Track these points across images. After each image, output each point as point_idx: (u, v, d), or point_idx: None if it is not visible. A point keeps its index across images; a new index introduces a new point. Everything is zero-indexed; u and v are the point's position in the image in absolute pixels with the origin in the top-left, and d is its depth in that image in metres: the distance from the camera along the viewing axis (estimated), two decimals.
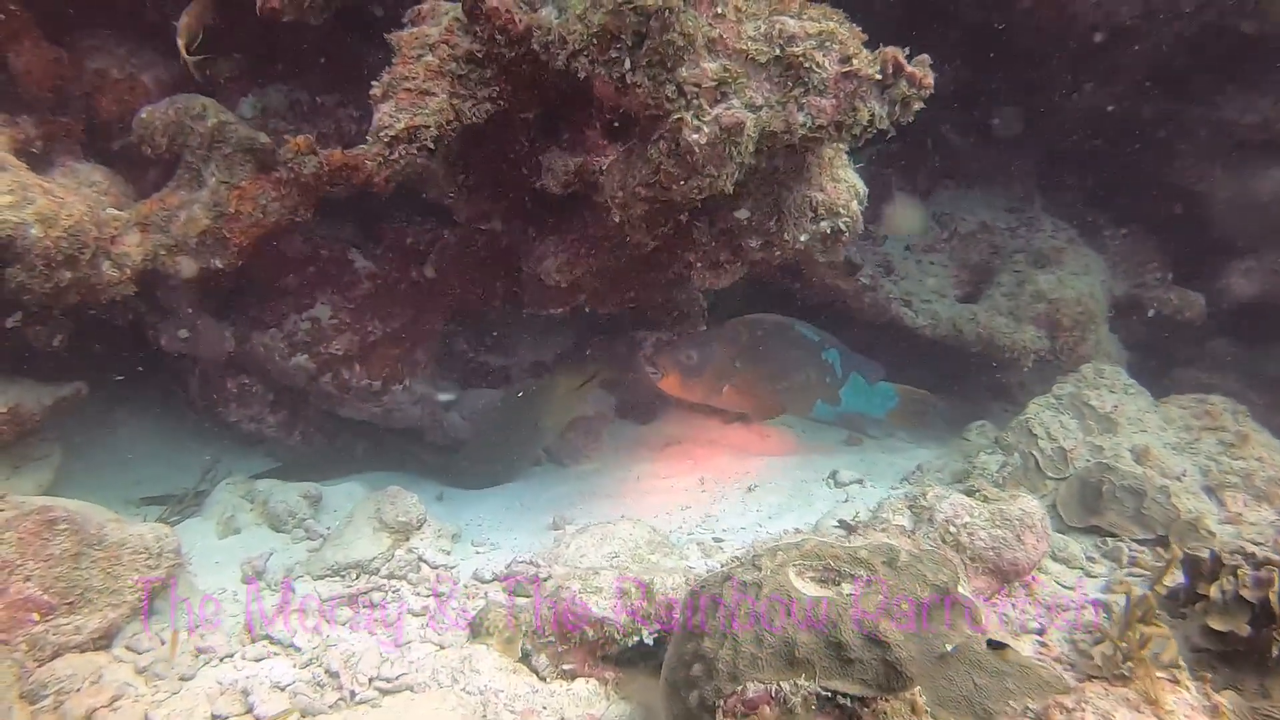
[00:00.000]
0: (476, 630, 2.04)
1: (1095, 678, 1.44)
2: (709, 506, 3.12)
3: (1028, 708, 1.41)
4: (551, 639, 1.94)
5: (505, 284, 3.53)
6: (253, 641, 2.11)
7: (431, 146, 2.25)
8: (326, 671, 1.95)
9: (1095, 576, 2.48)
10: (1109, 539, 2.60)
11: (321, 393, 3.45)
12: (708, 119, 2.08)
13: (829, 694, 1.55)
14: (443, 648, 2.04)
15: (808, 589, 1.70)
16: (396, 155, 2.25)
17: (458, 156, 2.78)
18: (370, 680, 1.92)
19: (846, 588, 1.68)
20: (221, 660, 2.03)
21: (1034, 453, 2.83)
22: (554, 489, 3.55)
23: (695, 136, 2.09)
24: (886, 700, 1.56)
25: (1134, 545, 2.56)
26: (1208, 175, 3.61)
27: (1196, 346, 4.14)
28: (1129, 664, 1.50)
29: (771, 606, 1.64)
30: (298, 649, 2.04)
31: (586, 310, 3.56)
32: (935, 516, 2.18)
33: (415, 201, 3.41)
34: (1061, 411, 2.93)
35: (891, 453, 3.79)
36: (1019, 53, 3.52)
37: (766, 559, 1.75)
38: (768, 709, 1.55)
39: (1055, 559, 2.50)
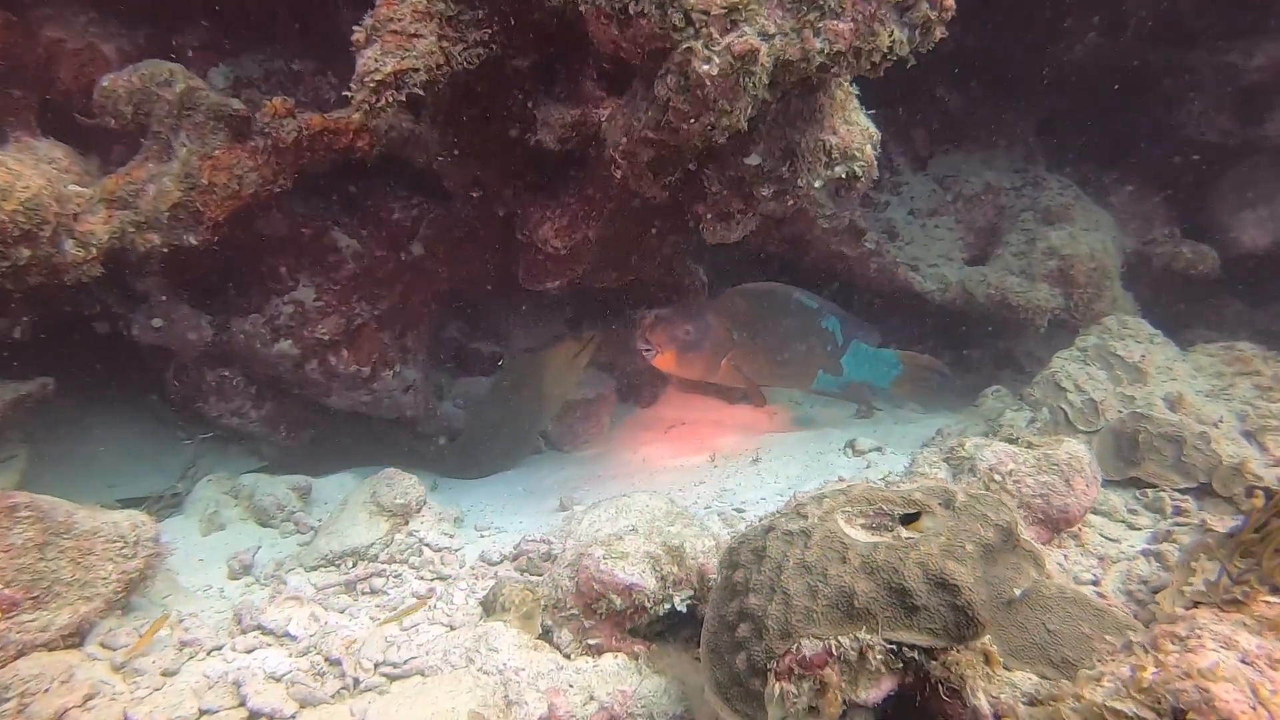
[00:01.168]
0: (490, 607, 1.86)
1: (1202, 603, 1.30)
2: (724, 481, 2.97)
3: (1126, 644, 1.26)
4: (574, 612, 1.77)
5: (499, 261, 3.37)
6: (243, 633, 1.92)
7: (421, 93, 2.09)
8: (326, 659, 1.78)
9: (1139, 529, 2.35)
10: (1149, 490, 2.48)
11: (307, 381, 3.27)
12: (718, 48, 1.94)
13: (894, 647, 1.40)
14: (454, 628, 1.87)
15: (861, 535, 1.54)
16: (383, 102, 2.08)
17: (447, 116, 2.61)
18: (376, 666, 1.75)
19: (904, 531, 1.53)
20: (209, 653, 1.85)
21: (1063, 406, 2.70)
22: (556, 473, 3.38)
23: (706, 68, 1.94)
24: (958, 651, 1.41)
25: (1176, 495, 2.43)
26: (1216, 123, 3.51)
27: (1204, 303, 4.04)
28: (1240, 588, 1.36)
29: (824, 554, 1.49)
30: (293, 638, 1.86)
31: (584, 285, 3.41)
32: (977, 466, 2.04)
33: (402, 176, 3.25)
34: (1088, 363, 2.81)
35: (905, 423, 3.65)
36: (1020, 3, 3.42)
37: (812, 506, 1.60)
38: (829, 669, 1.40)
39: (1096, 512, 2.37)
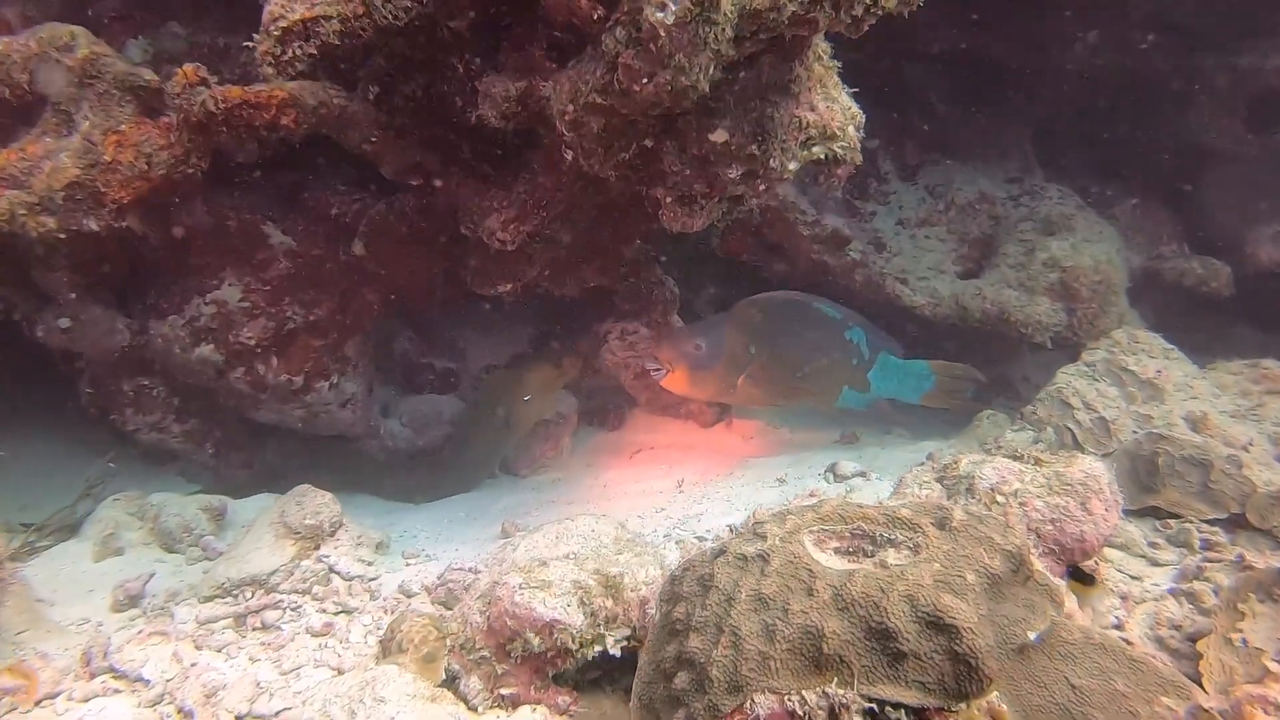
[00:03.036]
0: (387, 647, 1.53)
1: None
2: (689, 507, 2.64)
3: (1194, 711, 0.94)
4: (485, 653, 1.45)
5: (446, 261, 3.07)
6: (90, 676, 1.58)
7: (336, 43, 1.81)
8: (180, 710, 1.44)
9: (1162, 565, 2.03)
10: (1172, 520, 2.17)
11: (232, 391, 2.95)
12: None
13: (874, 705, 1.08)
14: (341, 672, 1.54)
15: (833, 562, 1.23)
16: (290, 54, 1.80)
17: (381, 89, 2.34)
18: (238, 719, 1.41)
19: (889, 556, 1.21)
20: (38, 704, 1.50)
21: (1070, 426, 2.40)
22: (507, 498, 3.05)
23: (660, 15, 1.67)
24: (957, 712, 1.09)
25: (1204, 526, 2.12)
26: (1228, 130, 3.27)
27: (1215, 326, 3.76)
28: None
29: (785, 585, 1.17)
30: (146, 682, 1.52)
31: (542, 291, 3.12)
32: (976, 486, 1.73)
33: (343, 168, 2.97)
34: (1097, 379, 2.52)
35: (891, 448, 3.34)
36: (1015, 2, 3.19)
37: (773, 525, 1.29)
38: None
39: (1112, 545, 2.06)
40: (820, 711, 1.08)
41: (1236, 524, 2.13)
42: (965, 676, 1.08)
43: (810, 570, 1.17)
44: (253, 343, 2.86)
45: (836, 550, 1.26)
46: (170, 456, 3.26)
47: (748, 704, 1.09)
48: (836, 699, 1.07)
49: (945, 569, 1.16)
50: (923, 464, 2.49)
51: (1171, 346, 2.65)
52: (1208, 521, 2.13)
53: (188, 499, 2.61)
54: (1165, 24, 3.19)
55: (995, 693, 1.12)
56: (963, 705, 1.08)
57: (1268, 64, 3.08)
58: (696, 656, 1.16)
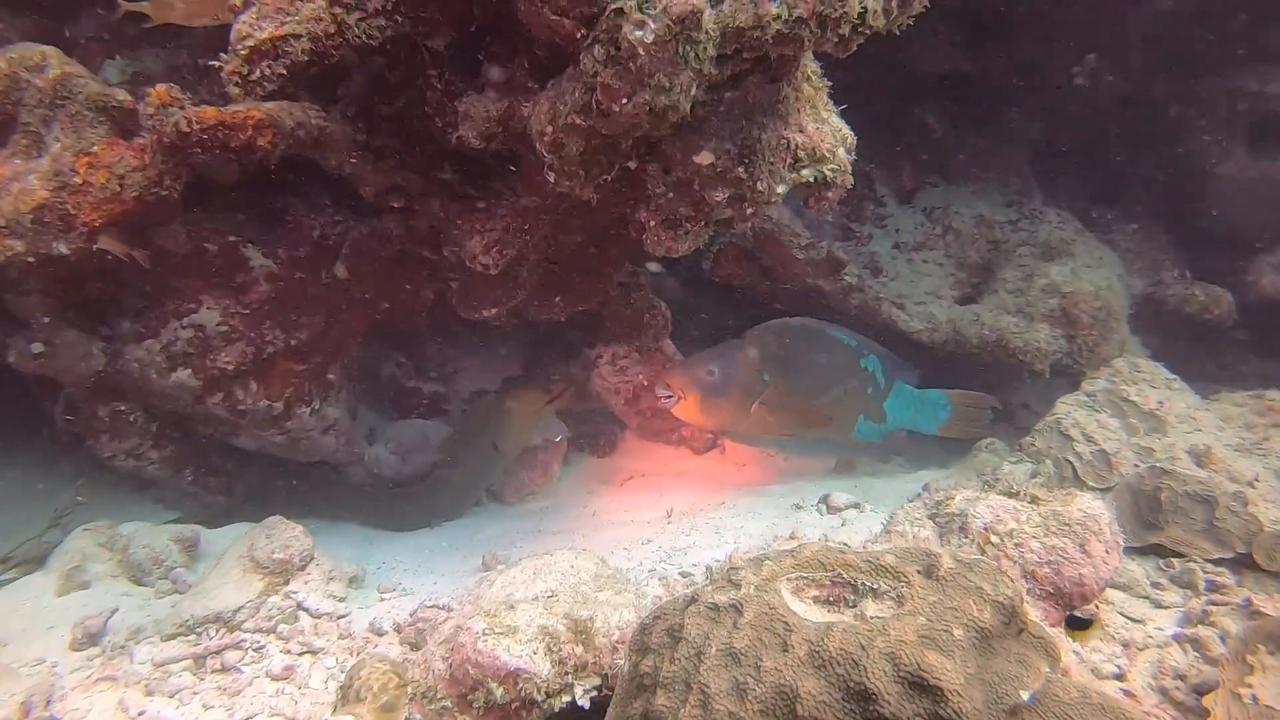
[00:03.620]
0: (345, 694, 1.45)
1: None
2: (676, 539, 2.56)
3: None
4: (448, 703, 1.36)
5: (431, 284, 3.02)
6: None
7: (307, 61, 1.76)
8: None
9: (1166, 607, 1.94)
10: (1175, 559, 2.08)
11: (210, 417, 2.87)
12: (654, 11, 1.61)
13: None
14: None
15: (811, 613, 1.15)
16: (259, 74, 1.75)
17: (359, 109, 2.29)
18: None
19: (870, 608, 1.13)
20: None
21: (1069, 458, 2.32)
22: (492, 527, 2.97)
23: (639, 34, 1.62)
24: None
25: (1209, 566, 2.03)
26: (1229, 155, 3.22)
27: (1217, 357, 3.69)
28: None
29: (759, 638, 1.09)
30: None
31: (527, 316, 3.06)
32: (969, 525, 1.65)
33: (326, 189, 2.92)
34: (1097, 409, 2.44)
35: (887, 478, 3.26)
36: (1014, 24, 3.15)
37: (748, 572, 1.20)
38: None
39: (1114, 585, 1.97)
40: None
41: (1242, 564, 2.04)
42: None
43: (786, 623, 1.09)
44: (231, 367, 2.79)
45: (816, 599, 1.18)
46: (148, 484, 3.18)
47: None
48: None
49: (930, 623, 1.08)
50: (917, 498, 2.41)
51: (1174, 376, 2.58)
52: (1213, 561, 2.04)
53: (159, 529, 2.53)
54: (1165, 47, 3.15)
55: None
56: None
57: (1268, 89, 3.03)
58: (663, 716, 1.08)
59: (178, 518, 3.06)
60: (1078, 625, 1.41)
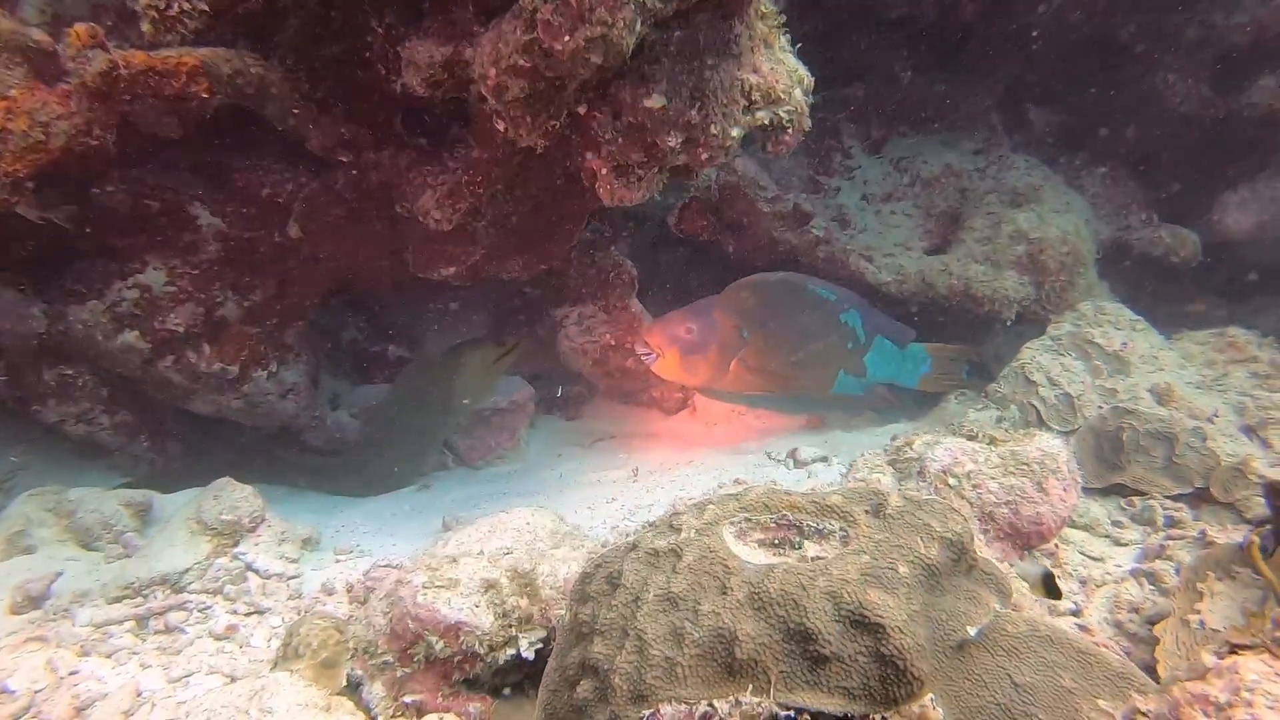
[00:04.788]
0: (285, 652, 1.41)
1: (1241, 646, 0.89)
2: (640, 497, 2.53)
3: (1130, 713, 0.84)
4: (389, 658, 1.33)
5: (389, 244, 2.93)
6: None
7: None
8: None
9: (1126, 545, 1.94)
10: (1136, 498, 2.08)
11: (162, 381, 2.79)
12: None
13: (793, 714, 0.97)
14: (235, 679, 1.41)
15: (754, 556, 1.12)
16: (176, 10, 1.66)
17: (298, 55, 2.19)
18: None
19: (812, 549, 1.10)
20: None
21: (1034, 403, 2.30)
22: (457, 491, 2.93)
23: None
24: (883, 719, 0.98)
25: (1168, 503, 2.03)
26: (1194, 93, 3.17)
27: (1181, 291, 3.67)
28: None
29: (697, 582, 1.06)
30: (11, 693, 1.39)
31: (488, 275, 2.98)
32: (927, 468, 1.63)
33: (275, 145, 2.81)
34: (1062, 353, 2.42)
35: (857, 431, 3.24)
36: None
37: (690, 516, 1.17)
38: None
39: (1074, 525, 1.97)
40: None
41: (1201, 499, 2.05)
42: (893, 680, 0.97)
43: (725, 566, 1.06)
44: (181, 329, 2.71)
45: (760, 543, 1.15)
46: (101, 450, 3.11)
47: (651, 715, 0.98)
48: (750, 709, 0.96)
49: (875, 561, 1.05)
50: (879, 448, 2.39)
51: (1138, 318, 2.56)
52: (1172, 498, 2.04)
53: (109, 494, 2.47)
54: None
55: (930, 695, 1.02)
56: (891, 711, 0.98)
57: (1231, 20, 2.97)
58: (600, 663, 1.05)
59: (127, 482, 2.99)
60: (1050, 591, 1.40)
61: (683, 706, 0.98)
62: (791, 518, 1.16)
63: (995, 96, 3.55)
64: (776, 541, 1.15)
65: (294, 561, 2.02)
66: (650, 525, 1.20)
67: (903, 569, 1.06)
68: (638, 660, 1.01)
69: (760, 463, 2.81)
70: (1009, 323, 3.08)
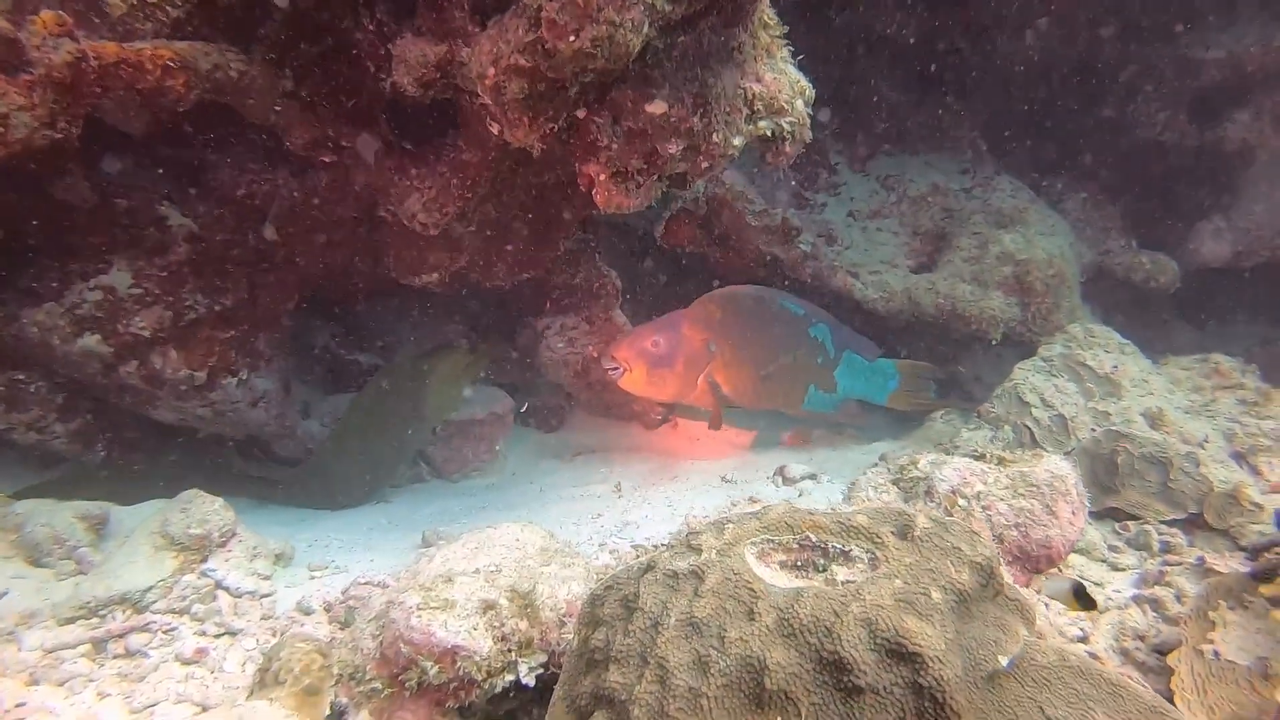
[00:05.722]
0: (263, 678, 1.31)
1: None
2: (628, 513, 2.46)
3: None
4: (378, 684, 1.24)
5: (367, 248, 2.85)
6: None
7: None
8: None
9: (1123, 569, 1.92)
10: (1130, 522, 2.06)
11: (124, 387, 2.66)
12: None
13: None
14: (207, 709, 1.31)
15: (778, 578, 1.05)
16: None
17: (281, 51, 2.11)
18: None
19: (840, 572, 1.04)
20: None
21: (1028, 424, 2.29)
22: (433, 504, 2.83)
23: None
24: None
25: (1163, 527, 2.01)
26: (1173, 123, 3.22)
27: (1159, 318, 3.72)
28: None
29: (722, 607, 0.99)
30: None
31: (470, 282, 2.90)
32: (935, 488, 1.58)
33: (252, 143, 2.71)
34: (1054, 374, 2.41)
35: (842, 449, 3.21)
36: None
37: (709, 536, 1.11)
38: None
39: (1074, 550, 1.93)
40: None
41: (1193, 524, 2.03)
42: (931, 714, 0.91)
43: (751, 589, 1.00)
44: (147, 334, 2.58)
45: (783, 564, 1.09)
46: (55, 459, 2.95)
47: None
48: None
49: (908, 586, 1.00)
50: (877, 465, 2.35)
51: (1126, 341, 2.57)
52: (1165, 522, 2.03)
53: (60, 506, 2.32)
54: (1115, 11, 3.13)
55: None
56: None
57: (1209, 55, 3.03)
58: (616, 693, 0.98)
59: (55, 478, 2.83)
60: (1085, 601, 1.36)
61: None
62: (815, 539, 1.10)
63: (980, 118, 3.57)
64: (800, 564, 1.09)
65: (267, 578, 1.91)
66: (667, 545, 1.14)
67: (935, 595, 1.01)
68: (659, 690, 0.94)
69: (748, 479, 2.76)
70: (994, 343, 3.08)
